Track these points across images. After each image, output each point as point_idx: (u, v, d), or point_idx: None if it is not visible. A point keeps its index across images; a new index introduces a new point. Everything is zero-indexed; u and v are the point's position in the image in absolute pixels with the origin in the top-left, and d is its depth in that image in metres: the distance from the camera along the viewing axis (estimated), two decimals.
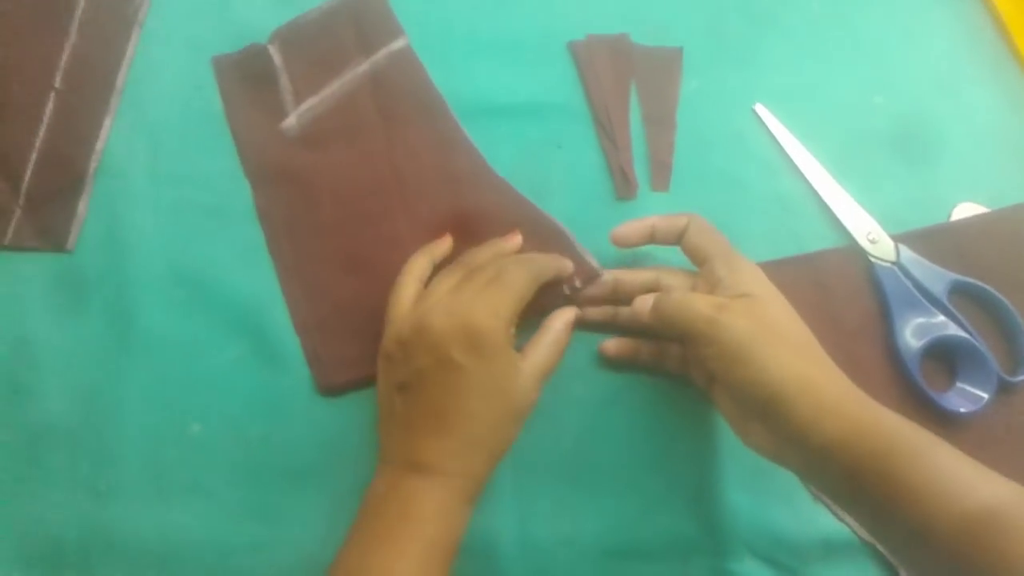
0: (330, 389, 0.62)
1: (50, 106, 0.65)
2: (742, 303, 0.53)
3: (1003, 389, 0.62)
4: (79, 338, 0.62)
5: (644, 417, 0.62)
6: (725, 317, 0.52)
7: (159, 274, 0.64)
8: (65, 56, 0.66)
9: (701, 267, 0.58)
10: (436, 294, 0.57)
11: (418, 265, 0.60)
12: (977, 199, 0.68)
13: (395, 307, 0.57)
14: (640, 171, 0.67)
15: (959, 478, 0.46)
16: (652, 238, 0.61)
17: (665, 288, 0.61)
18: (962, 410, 0.61)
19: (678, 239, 0.60)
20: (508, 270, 0.57)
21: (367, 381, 0.62)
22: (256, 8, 0.70)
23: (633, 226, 0.61)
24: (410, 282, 0.59)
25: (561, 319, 0.60)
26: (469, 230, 0.64)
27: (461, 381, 0.53)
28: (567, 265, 0.61)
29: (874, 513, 0.49)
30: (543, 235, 0.64)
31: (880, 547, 0.59)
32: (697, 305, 0.54)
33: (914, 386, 0.62)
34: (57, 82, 0.66)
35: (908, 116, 0.71)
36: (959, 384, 0.63)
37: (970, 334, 0.62)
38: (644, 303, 0.59)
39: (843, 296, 0.65)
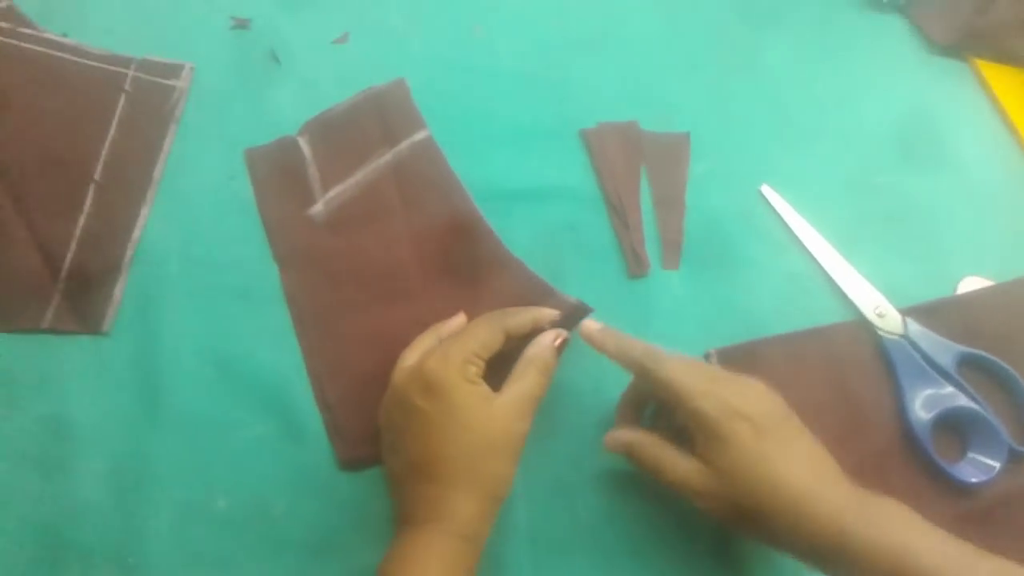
0: (351, 464, 0.64)
1: (90, 197, 0.69)
2: (731, 459, 0.54)
3: (1014, 458, 0.63)
4: (111, 416, 0.64)
5: (659, 494, 0.62)
6: (710, 503, 0.54)
7: (189, 354, 0.66)
8: (105, 150, 0.70)
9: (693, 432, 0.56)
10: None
11: (423, 341, 0.62)
12: (982, 273, 0.69)
13: (391, 377, 0.60)
14: (651, 251, 0.70)
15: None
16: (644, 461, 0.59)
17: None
18: (974, 480, 0.62)
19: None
20: (473, 323, 0.61)
21: None
22: (286, 103, 0.74)
23: (616, 435, 0.61)
24: (409, 355, 0.61)
25: (538, 344, 0.60)
26: (486, 309, 0.67)
27: (425, 425, 0.55)
28: (545, 314, 0.62)
29: None
30: (520, 285, 0.68)
31: None
32: (679, 474, 0.55)
33: (926, 457, 0.63)
34: (97, 174, 0.69)
35: (911, 194, 0.73)
36: (971, 454, 0.63)
37: (979, 405, 0.63)
38: (614, 442, 0.61)
39: (853, 369, 0.66)
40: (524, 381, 0.58)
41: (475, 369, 0.57)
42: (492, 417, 0.56)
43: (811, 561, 0.53)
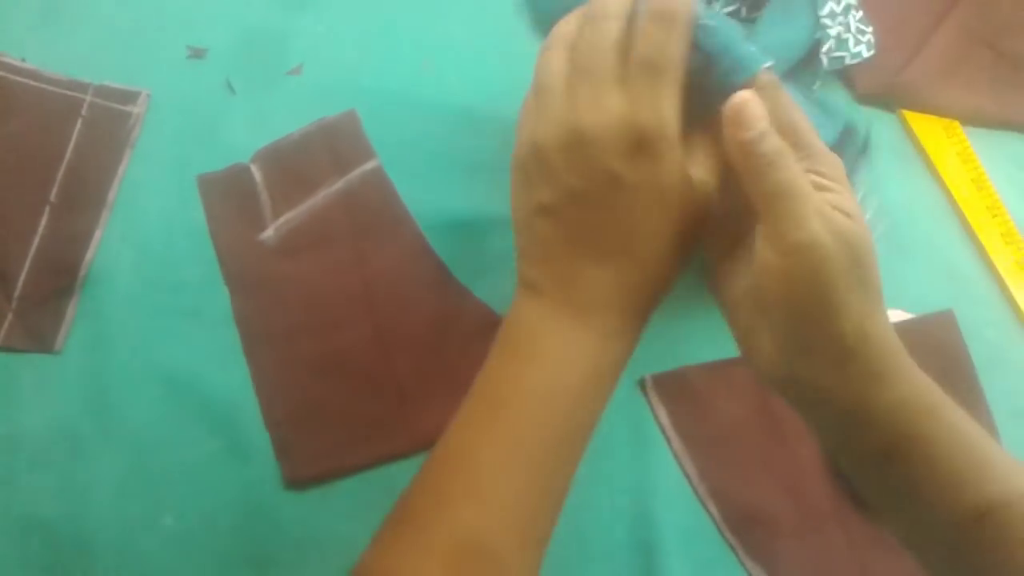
0: (297, 482, 0.65)
1: (45, 218, 0.70)
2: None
3: None
4: (61, 433, 0.65)
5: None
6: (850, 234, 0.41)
7: (140, 373, 0.67)
8: (61, 173, 0.72)
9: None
10: (583, 86, 0.44)
11: (568, 29, 0.46)
12: (902, 306, 0.73)
13: (536, 95, 0.47)
14: None
15: (977, 467, 0.43)
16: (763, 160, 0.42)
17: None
18: None
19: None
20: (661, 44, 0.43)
21: (334, 474, 0.66)
22: (239, 131, 0.76)
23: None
24: (554, 59, 0.46)
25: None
26: (431, 334, 0.69)
27: (627, 199, 0.44)
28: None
29: (883, 485, 0.45)
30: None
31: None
32: (811, 200, 0.41)
33: (844, 477, 0.66)
34: (53, 196, 0.71)
35: None
36: None
37: None
38: (745, 113, 0.42)
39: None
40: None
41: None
42: (694, 201, 0.45)
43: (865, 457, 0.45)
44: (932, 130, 0.83)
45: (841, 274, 0.40)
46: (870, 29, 0.78)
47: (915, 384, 0.44)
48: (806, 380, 0.43)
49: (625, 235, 0.45)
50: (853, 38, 0.76)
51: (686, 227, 0.45)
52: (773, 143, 0.41)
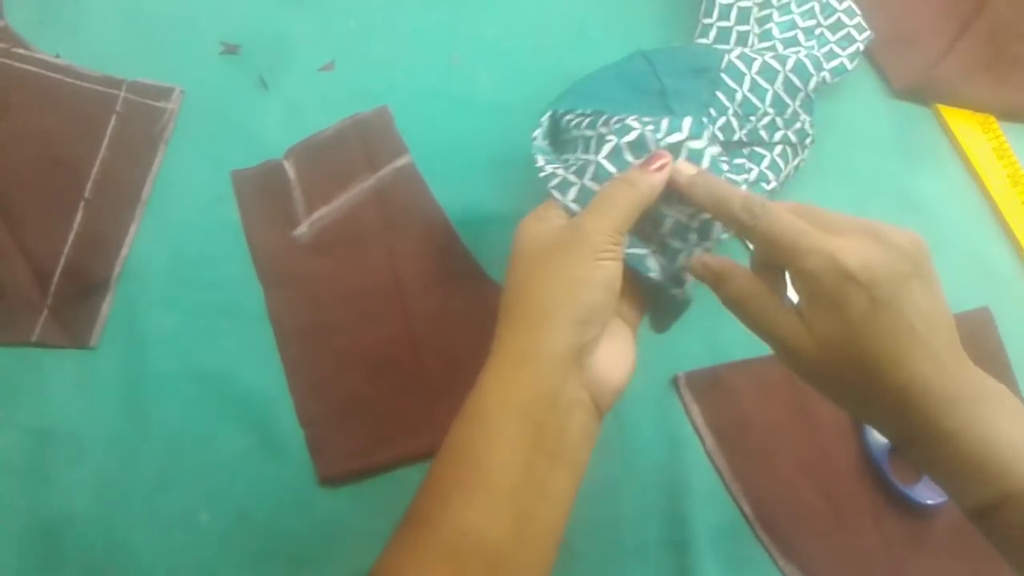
0: (331, 479, 0.65)
1: (80, 214, 0.71)
2: (902, 256, 0.47)
3: None
4: (97, 429, 0.66)
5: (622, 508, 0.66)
6: (883, 266, 0.46)
7: (174, 370, 0.68)
8: (95, 169, 0.72)
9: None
10: None
11: None
12: None
13: None
14: None
15: (996, 459, 0.45)
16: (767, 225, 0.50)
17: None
18: (930, 502, 0.65)
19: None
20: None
21: (367, 471, 0.66)
22: (273, 127, 0.76)
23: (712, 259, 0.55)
24: None
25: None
26: (462, 330, 0.70)
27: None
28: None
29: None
30: None
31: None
32: (821, 242, 0.48)
33: (884, 478, 0.66)
34: (87, 192, 0.71)
35: None
36: (926, 477, 0.66)
37: None
38: (701, 265, 0.55)
39: (816, 393, 0.69)
40: (604, 194, 0.54)
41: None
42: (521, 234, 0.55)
43: (902, 444, 0.49)
44: (967, 125, 0.82)
45: (816, 383, 0.51)
46: (861, 37, 0.79)
47: (955, 377, 0.47)
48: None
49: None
50: (829, 54, 0.77)
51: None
52: (732, 289, 0.53)
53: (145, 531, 0.64)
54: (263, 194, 0.74)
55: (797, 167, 0.74)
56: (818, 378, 0.50)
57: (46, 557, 0.62)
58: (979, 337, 0.72)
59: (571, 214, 0.56)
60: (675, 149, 0.56)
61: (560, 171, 0.59)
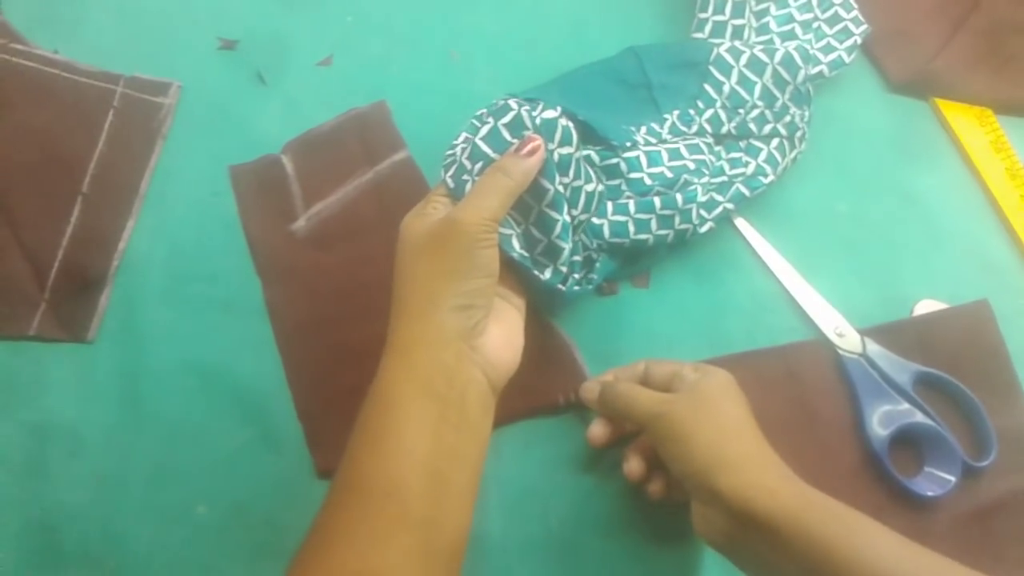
0: (329, 473, 0.65)
1: (77, 208, 0.71)
2: (687, 394, 0.58)
3: (969, 474, 0.65)
4: (94, 423, 0.66)
5: (627, 507, 0.65)
6: (665, 408, 0.57)
7: (172, 364, 0.68)
8: (93, 163, 0.72)
9: (671, 383, 0.61)
10: None
11: None
12: (937, 297, 0.72)
13: None
14: None
15: (887, 556, 0.50)
16: (613, 400, 0.62)
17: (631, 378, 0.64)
18: (930, 493, 0.64)
19: (643, 380, 0.63)
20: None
21: None
22: (270, 122, 0.76)
23: (590, 386, 0.65)
24: None
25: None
26: None
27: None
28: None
29: None
30: (545, 343, 0.69)
31: None
32: (640, 400, 0.59)
33: (884, 471, 0.65)
34: (85, 187, 0.71)
35: (870, 221, 0.76)
36: (927, 469, 0.66)
37: (935, 421, 0.66)
38: (590, 392, 0.64)
39: (814, 386, 0.69)
40: (480, 185, 0.58)
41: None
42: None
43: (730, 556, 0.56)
44: (965, 118, 0.82)
45: (668, 437, 0.57)
46: (859, 30, 0.79)
47: (784, 493, 0.54)
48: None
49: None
50: (827, 48, 0.78)
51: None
52: (609, 391, 0.63)
53: (143, 524, 0.64)
54: (261, 188, 0.74)
55: (795, 160, 0.74)
56: (683, 449, 0.56)
57: (44, 550, 0.62)
58: (978, 330, 0.71)
59: (452, 197, 0.60)
60: (549, 126, 0.60)
61: (457, 151, 0.63)
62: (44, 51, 0.76)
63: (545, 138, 0.59)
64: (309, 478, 0.65)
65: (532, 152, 0.58)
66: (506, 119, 0.60)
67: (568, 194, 0.62)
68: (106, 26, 0.79)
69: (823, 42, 0.77)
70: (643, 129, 0.70)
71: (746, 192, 0.70)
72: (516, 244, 0.60)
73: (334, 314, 0.70)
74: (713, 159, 0.70)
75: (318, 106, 0.77)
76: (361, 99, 0.77)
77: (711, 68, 0.71)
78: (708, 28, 0.76)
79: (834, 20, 0.78)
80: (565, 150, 0.61)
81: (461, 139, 0.64)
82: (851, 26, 0.78)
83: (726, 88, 0.71)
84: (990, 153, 0.80)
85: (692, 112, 0.70)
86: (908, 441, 0.67)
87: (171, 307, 0.70)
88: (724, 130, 0.70)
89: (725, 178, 0.70)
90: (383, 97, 0.78)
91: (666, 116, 0.69)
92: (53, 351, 0.68)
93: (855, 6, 0.79)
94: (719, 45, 0.72)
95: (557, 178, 0.60)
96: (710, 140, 0.71)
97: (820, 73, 0.75)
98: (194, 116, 0.76)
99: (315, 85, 0.78)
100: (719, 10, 0.76)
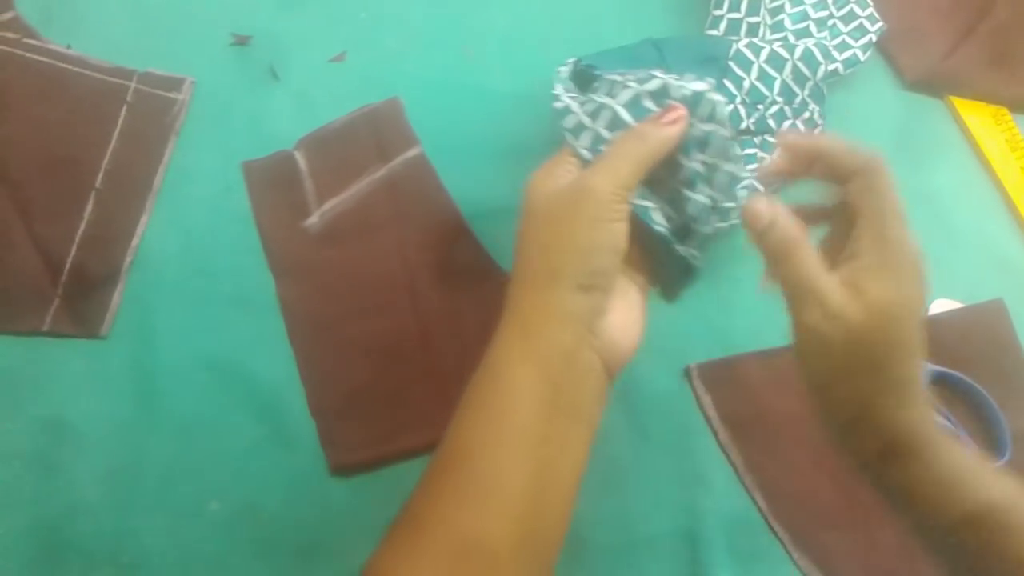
0: (342, 469, 0.65)
1: (91, 204, 0.71)
2: (863, 308, 0.46)
3: None
4: (108, 419, 0.66)
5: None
6: (831, 326, 0.47)
7: (185, 360, 0.68)
8: (106, 159, 0.72)
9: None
10: None
11: None
12: (952, 296, 0.72)
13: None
14: None
15: (968, 474, 0.46)
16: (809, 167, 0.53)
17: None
18: None
19: (845, 179, 0.51)
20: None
21: (377, 462, 0.66)
22: (284, 118, 0.76)
23: (759, 211, 0.50)
24: None
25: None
26: (473, 321, 0.70)
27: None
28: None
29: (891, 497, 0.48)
30: None
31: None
32: (812, 286, 0.48)
33: None
34: (98, 182, 0.71)
35: None
36: None
37: (949, 420, 0.66)
38: (758, 218, 0.50)
39: None
40: (612, 149, 0.52)
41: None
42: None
43: (885, 457, 0.48)
44: (980, 117, 0.82)
45: (835, 358, 0.47)
46: (874, 28, 0.78)
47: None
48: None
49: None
50: (842, 45, 0.77)
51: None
52: (779, 234, 0.49)
53: (155, 520, 0.64)
54: (274, 184, 0.73)
55: None
56: (841, 354, 0.47)
57: (57, 546, 0.62)
58: (993, 328, 0.71)
59: (582, 162, 0.54)
60: (696, 99, 0.54)
61: (576, 108, 0.57)
62: (57, 46, 0.75)
63: (689, 110, 0.54)
64: (322, 474, 0.65)
65: (674, 122, 0.52)
66: (651, 86, 0.54)
67: (705, 173, 0.56)
68: (119, 22, 0.78)
69: (838, 40, 0.77)
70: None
71: (761, 189, 0.70)
72: (658, 216, 0.54)
73: (347, 310, 0.70)
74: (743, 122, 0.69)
75: (331, 102, 0.77)
76: (374, 95, 0.77)
77: (731, 64, 0.71)
78: (723, 25, 0.76)
79: (849, 17, 0.78)
80: (709, 126, 0.55)
81: (577, 103, 0.57)
82: (866, 24, 0.78)
83: (746, 84, 0.70)
84: (1005, 152, 0.80)
85: None
86: None
87: (184, 303, 0.69)
88: (743, 126, 0.70)
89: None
90: (396, 93, 0.77)
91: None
92: (66, 347, 0.67)
93: (870, 3, 0.79)
94: (737, 41, 0.72)
95: (695, 154, 0.55)
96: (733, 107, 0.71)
97: (835, 71, 0.75)
98: (207, 112, 0.76)
99: (328, 81, 0.78)
100: (735, 7, 0.76)
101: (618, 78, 0.56)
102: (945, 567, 0.49)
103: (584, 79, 0.61)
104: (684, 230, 0.56)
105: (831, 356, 0.48)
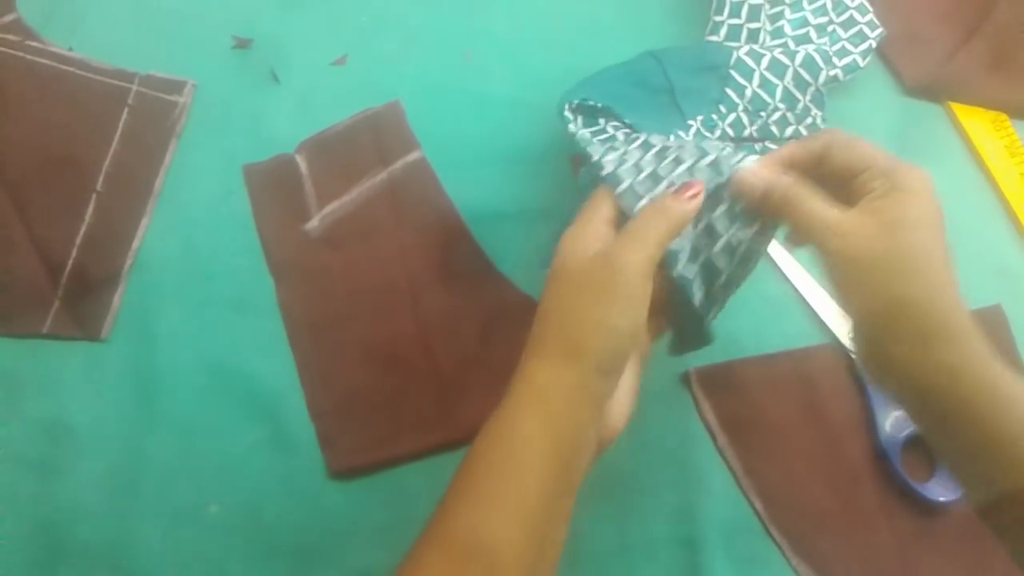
0: (341, 472, 0.66)
1: (91, 206, 0.71)
2: (872, 217, 0.49)
3: None
4: (107, 421, 0.66)
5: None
6: (842, 243, 0.49)
7: (185, 362, 0.68)
8: (107, 161, 0.72)
9: (855, 183, 0.52)
10: None
11: None
12: None
13: None
14: None
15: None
16: (780, 206, 0.54)
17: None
18: (942, 499, 0.64)
19: (817, 165, 0.54)
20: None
21: (377, 465, 0.66)
22: (284, 121, 0.76)
23: (753, 178, 0.54)
24: None
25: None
26: (473, 325, 0.70)
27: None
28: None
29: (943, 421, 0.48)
30: None
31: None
32: (814, 216, 0.51)
33: (896, 476, 0.66)
34: (99, 185, 0.71)
35: None
36: (939, 474, 0.66)
37: None
38: (753, 185, 0.54)
39: (827, 390, 0.69)
40: (638, 223, 0.53)
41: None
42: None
43: (919, 394, 0.49)
44: (979, 122, 0.82)
45: (865, 272, 0.49)
46: (873, 34, 0.78)
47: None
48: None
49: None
50: (841, 51, 0.77)
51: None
52: (777, 195, 0.53)
53: (155, 523, 0.64)
54: (275, 188, 0.74)
55: None
56: (869, 269, 0.49)
57: (56, 548, 0.63)
58: (991, 335, 0.71)
59: (624, 212, 0.54)
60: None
61: (617, 167, 0.57)
62: (59, 48, 0.76)
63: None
64: (321, 478, 0.65)
65: (693, 197, 0.53)
66: (706, 160, 0.56)
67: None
68: (121, 24, 0.78)
69: (838, 46, 0.77)
70: (671, 138, 0.70)
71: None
72: (697, 289, 0.56)
73: (347, 314, 0.70)
74: None
75: (332, 106, 0.77)
76: (375, 99, 0.77)
77: (732, 72, 0.71)
78: (723, 31, 0.76)
79: (849, 24, 0.78)
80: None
81: (613, 155, 0.58)
82: (866, 30, 0.78)
83: (748, 92, 0.71)
84: (1005, 157, 0.80)
85: (715, 117, 0.69)
86: (920, 446, 0.67)
87: (184, 306, 0.70)
88: (746, 133, 0.70)
89: None
90: (397, 97, 0.78)
91: (691, 122, 0.68)
92: (66, 349, 0.68)
93: (870, 9, 0.79)
94: (738, 48, 0.72)
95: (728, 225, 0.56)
96: (731, 145, 0.71)
97: (835, 77, 0.75)
98: (208, 115, 0.76)
99: (329, 85, 0.78)
100: (735, 13, 0.76)
101: (654, 141, 0.58)
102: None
103: (589, 113, 0.62)
104: (712, 300, 0.58)
105: (861, 272, 0.49)
